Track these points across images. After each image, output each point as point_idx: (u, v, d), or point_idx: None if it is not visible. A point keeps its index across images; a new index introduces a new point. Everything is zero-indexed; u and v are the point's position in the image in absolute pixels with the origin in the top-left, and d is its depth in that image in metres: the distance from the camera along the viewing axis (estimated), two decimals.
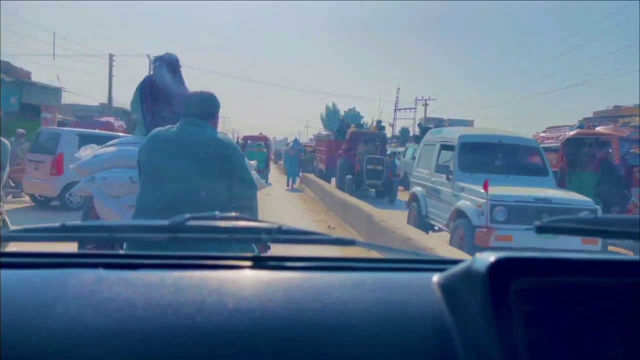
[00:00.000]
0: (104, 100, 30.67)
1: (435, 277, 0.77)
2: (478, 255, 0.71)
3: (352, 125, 20.08)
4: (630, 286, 0.73)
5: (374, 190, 16.31)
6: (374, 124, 19.87)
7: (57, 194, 9.76)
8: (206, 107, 2.42)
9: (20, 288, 0.70)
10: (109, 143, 3.89)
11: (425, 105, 44.71)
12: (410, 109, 47.60)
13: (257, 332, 0.65)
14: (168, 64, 3.89)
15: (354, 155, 16.29)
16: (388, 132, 42.58)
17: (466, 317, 0.67)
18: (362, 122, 39.27)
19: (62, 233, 0.89)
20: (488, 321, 0.64)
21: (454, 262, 0.82)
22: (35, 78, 21.04)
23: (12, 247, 0.88)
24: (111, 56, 30.83)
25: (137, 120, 4.04)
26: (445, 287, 0.74)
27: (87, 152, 3.84)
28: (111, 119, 14.09)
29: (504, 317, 0.65)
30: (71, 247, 1.08)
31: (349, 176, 15.57)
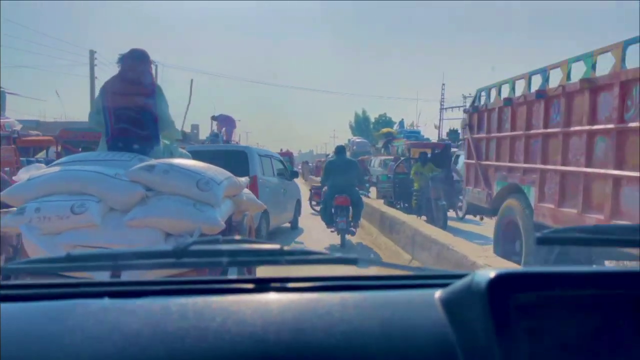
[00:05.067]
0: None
1: (438, 293, 0.77)
2: (478, 270, 0.71)
3: None
4: (632, 298, 0.73)
5: None
6: None
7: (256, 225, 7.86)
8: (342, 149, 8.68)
9: (26, 321, 0.71)
10: (55, 162, 3.20)
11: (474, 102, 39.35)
12: (459, 107, 38.27)
13: (261, 356, 0.65)
14: (135, 59, 3.48)
15: None
16: (434, 135, 35.09)
17: (469, 333, 0.67)
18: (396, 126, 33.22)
19: (68, 263, 0.90)
20: (490, 337, 0.65)
21: (457, 276, 0.83)
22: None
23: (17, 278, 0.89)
24: (92, 53, 24.59)
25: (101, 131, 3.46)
26: (448, 303, 0.74)
27: (29, 174, 2.97)
28: None
29: (505, 332, 0.65)
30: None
31: None
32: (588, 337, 0.70)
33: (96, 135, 10.57)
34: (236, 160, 8.00)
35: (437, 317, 0.72)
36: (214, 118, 14.95)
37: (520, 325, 0.67)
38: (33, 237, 2.56)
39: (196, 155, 7.27)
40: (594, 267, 0.76)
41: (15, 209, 2.70)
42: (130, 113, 3.26)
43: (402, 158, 14.46)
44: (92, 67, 24.47)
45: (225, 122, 14.72)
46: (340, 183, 7.87)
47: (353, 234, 8.06)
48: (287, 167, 10.25)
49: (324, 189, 8.63)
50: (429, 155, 11.18)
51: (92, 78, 24.45)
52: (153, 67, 3.64)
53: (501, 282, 0.67)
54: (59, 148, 11.28)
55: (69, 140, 10.87)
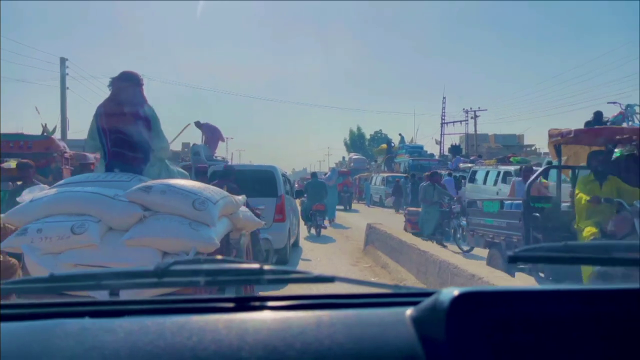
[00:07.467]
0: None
1: (409, 311, 0.80)
2: (444, 289, 0.74)
3: None
4: (598, 315, 0.76)
5: None
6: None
7: (283, 244, 7.95)
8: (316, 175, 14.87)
9: (6, 341, 0.73)
10: (56, 184, 3.27)
11: (475, 117, 37.16)
12: (461, 121, 38.37)
13: None
14: (126, 82, 3.55)
15: None
16: (436, 150, 34.99)
17: (435, 350, 0.70)
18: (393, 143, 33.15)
19: (51, 283, 0.92)
20: (454, 354, 0.67)
21: (429, 294, 0.85)
22: None
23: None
24: (63, 60, 22.34)
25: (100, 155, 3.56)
26: (417, 320, 0.77)
27: (33, 195, 3.06)
28: None
29: (470, 348, 0.68)
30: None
31: None
32: (555, 354, 0.73)
33: (31, 146, 8.71)
34: (264, 179, 8.21)
35: (408, 334, 0.75)
36: (197, 125, 12.31)
37: (490, 341, 0.70)
38: (34, 257, 2.63)
39: (226, 174, 7.32)
40: (560, 285, 0.79)
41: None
42: (124, 136, 3.36)
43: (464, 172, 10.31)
44: (63, 76, 22.37)
45: (210, 132, 12.23)
46: (316, 196, 12.59)
47: (326, 227, 12.88)
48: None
49: (302, 199, 12.97)
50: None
51: (64, 88, 22.41)
52: (144, 86, 3.73)
53: (464, 300, 0.70)
54: None
55: None
